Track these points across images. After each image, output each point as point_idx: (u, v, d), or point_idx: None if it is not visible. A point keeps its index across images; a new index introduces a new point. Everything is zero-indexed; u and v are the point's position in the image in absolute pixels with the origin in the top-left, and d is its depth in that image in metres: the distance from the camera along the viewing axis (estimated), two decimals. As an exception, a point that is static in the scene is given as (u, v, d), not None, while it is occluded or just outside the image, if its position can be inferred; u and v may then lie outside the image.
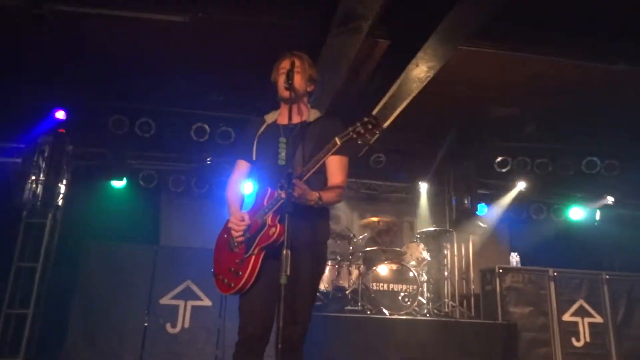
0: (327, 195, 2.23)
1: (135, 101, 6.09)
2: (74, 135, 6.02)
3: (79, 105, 5.89)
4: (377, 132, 2.09)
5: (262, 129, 2.45)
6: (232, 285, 2.21)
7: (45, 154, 5.69)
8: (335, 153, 2.23)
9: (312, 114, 2.44)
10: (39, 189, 5.60)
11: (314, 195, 2.14)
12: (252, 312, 2.20)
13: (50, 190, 5.63)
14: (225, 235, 2.38)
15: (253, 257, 2.18)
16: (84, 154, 6.42)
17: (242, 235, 2.26)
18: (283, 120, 2.40)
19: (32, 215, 5.51)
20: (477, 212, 7.30)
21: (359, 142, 2.13)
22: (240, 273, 2.19)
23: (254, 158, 2.42)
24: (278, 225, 2.14)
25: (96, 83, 5.62)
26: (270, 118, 2.48)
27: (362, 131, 2.07)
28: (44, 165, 5.68)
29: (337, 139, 2.10)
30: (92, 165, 6.48)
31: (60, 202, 5.93)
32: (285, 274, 1.88)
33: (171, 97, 6.08)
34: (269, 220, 2.18)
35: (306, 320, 2.21)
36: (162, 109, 6.23)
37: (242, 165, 2.50)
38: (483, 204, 7.64)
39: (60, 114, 5.73)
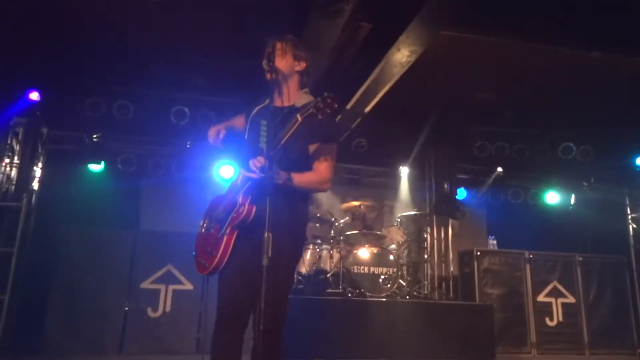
0: (300, 178, 2.24)
1: (113, 83, 5.95)
2: (49, 118, 5.87)
3: (53, 87, 5.73)
4: (336, 105, 2.10)
5: (255, 110, 2.44)
6: (207, 265, 2.24)
7: (19, 137, 5.54)
8: (322, 141, 2.31)
9: (303, 98, 2.39)
10: (13, 172, 5.46)
11: (282, 174, 2.15)
12: (226, 293, 2.22)
13: (25, 173, 5.51)
14: (205, 219, 2.40)
15: (225, 237, 2.20)
16: (59, 137, 6.27)
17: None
18: (272, 102, 2.42)
19: (7, 199, 5.38)
20: (456, 196, 7.42)
21: (319, 117, 2.10)
22: (214, 253, 2.21)
23: (246, 137, 2.43)
24: (247, 205, 2.18)
25: (71, 64, 5.47)
26: (263, 102, 2.48)
27: (321, 106, 2.08)
28: (17, 147, 5.54)
29: (298, 116, 2.11)
30: (69, 149, 6.33)
31: (35, 186, 5.80)
32: (266, 255, 1.91)
33: (150, 79, 5.95)
34: (239, 200, 2.20)
35: (281, 302, 2.19)
36: (141, 91, 6.11)
37: (237, 121, 2.57)
38: (462, 188, 7.76)
39: (34, 95, 5.56)
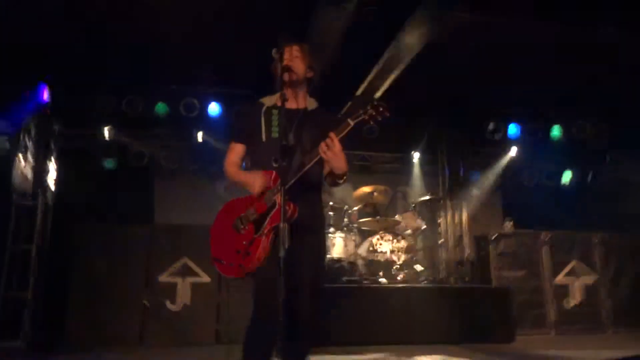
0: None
1: (121, 78, 5.96)
2: (60, 115, 5.91)
3: (63, 85, 5.76)
4: (387, 114, 2.21)
5: (263, 110, 2.43)
6: (243, 266, 2.21)
7: (32, 136, 5.58)
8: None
9: (311, 103, 2.49)
10: (27, 171, 5.51)
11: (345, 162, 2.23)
12: (270, 287, 2.13)
13: (40, 172, 5.55)
14: (228, 218, 2.35)
15: (264, 237, 2.20)
16: (71, 134, 6.31)
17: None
18: (284, 103, 2.38)
19: (23, 198, 5.44)
20: (470, 179, 7.34)
21: (371, 123, 2.23)
22: (251, 253, 2.19)
23: (263, 139, 2.38)
24: (291, 205, 2.16)
25: (79, 61, 5.48)
26: (268, 101, 2.47)
27: (373, 113, 2.20)
28: (31, 146, 5.57)
29: (349, 120, 2.19)
30: (81, 146, 6.38)
31: (50, 184, 5.85)
32: (283, 247, 1.90)
33: (157, 72, 5.96)
34: (279, 200, 2.15)
35: (320, 295, 2.32)
36: (149, 85, 6.12)
37: (241, 149, 2.49)
38: (476, 171, 7.67)
39: (44, 94, 5.59)
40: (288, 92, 2.38)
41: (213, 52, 5.52)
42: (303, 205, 2.20)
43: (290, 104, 2.40)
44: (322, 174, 2.42)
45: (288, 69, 2.32)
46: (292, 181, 2.18)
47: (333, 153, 2.16)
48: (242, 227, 2.28)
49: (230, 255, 2.27)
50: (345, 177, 2.31)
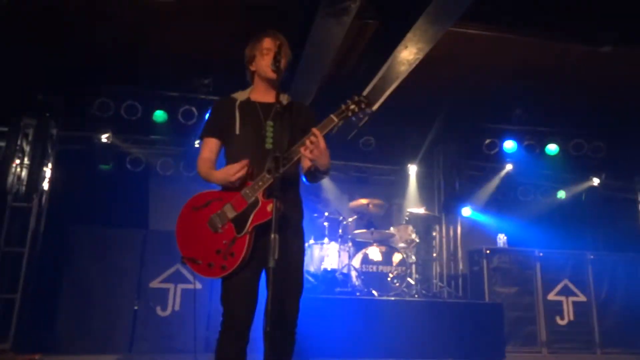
0: None
1: (121, 84, 5.99)
2: (58, 118, 5.92)
3: (62, 88, 5.77)
4: (369, 110, 2.19)
5: (237, 105, 2.35)
6: (226, 267, 2.13)
7: (29, 138, 5.59)
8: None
9: (284, 97, 2.35)
10: (23, 173, 5.51)
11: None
12: (241, 297, 2.15)
13: (35, 174, 5.54)
14: (199, 214, 2.25)
15: (247, 236, 2.13)
16: (69, 138, 6.31)
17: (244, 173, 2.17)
18: (258, 98, 2.38)
19: (17, 200, 5.43)
20: (465, 194, 7.36)
21: (353, 119, 2.20)
22: (235, 253, 2.12)
23: (237, 132, 2.31)
24: (276, 202, 2.04)
25: (80, 65, 5.51)
26: (241, 96, 2.40)
27: (356, 109, 2.17)
28: (28, 148, 5.58)
29: (333, 117, 2.16)
30: (78, 149, 6.38)
31: (45, 187, 5.84)
32: (273, 257, 1.85)
33: (158, 79, 5.99)
34: (261, 198, 2.14)
35: (298, 302, 2.21)
36: (149, 91, 6.14)
37: (214, 144, 2.39)
38: (471, 185, 7.69)
39: (44, 97, 5.60)
40: (263, 87, 2.36)
41: (212, 60, 5.56)
42: (284, 205, 2.09)
43: (266, 98, 2.34)
44: (300, 168, 2.34)
45: (276, 69, 2.22)
46: (273, 181, 2.04)
47: (319, 151, 2.08)
48: (220, 225, 2.18)
49: (209, 255, 2.17)
50: (328, 173, 2.24)
